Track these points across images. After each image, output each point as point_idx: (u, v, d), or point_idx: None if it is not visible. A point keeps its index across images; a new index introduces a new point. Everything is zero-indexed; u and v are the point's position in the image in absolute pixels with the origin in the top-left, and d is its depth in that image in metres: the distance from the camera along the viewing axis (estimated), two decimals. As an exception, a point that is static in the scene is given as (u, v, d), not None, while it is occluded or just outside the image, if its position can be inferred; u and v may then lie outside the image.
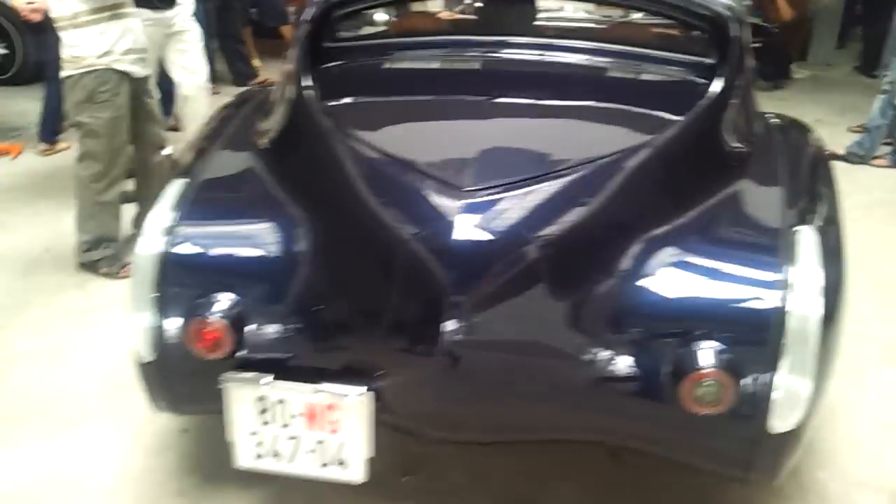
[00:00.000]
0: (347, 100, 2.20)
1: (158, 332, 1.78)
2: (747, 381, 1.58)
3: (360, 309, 1.73)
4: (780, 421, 1.58)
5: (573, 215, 1.70)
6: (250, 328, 1.75)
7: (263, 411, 1.75)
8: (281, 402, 1.74)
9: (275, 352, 1.76)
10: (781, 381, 1.57)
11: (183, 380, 1.83)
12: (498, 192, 1.68)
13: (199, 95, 4.07)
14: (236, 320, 1.74)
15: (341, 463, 1.77)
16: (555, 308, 1.66)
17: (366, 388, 1.69)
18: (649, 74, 2.32)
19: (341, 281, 1.77)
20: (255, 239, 1.86)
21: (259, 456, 1.79)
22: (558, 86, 2.26)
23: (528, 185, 1.70)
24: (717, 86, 2.03)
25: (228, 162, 2.13)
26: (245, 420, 1.76)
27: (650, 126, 1.96)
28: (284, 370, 1.74)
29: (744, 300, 1.64)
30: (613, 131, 2.01)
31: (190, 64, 3.99)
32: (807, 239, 1.72)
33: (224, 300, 1.75)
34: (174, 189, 1.93)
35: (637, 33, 2.68)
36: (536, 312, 1.65)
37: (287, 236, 1.83)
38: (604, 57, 2.36)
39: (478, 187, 1.68)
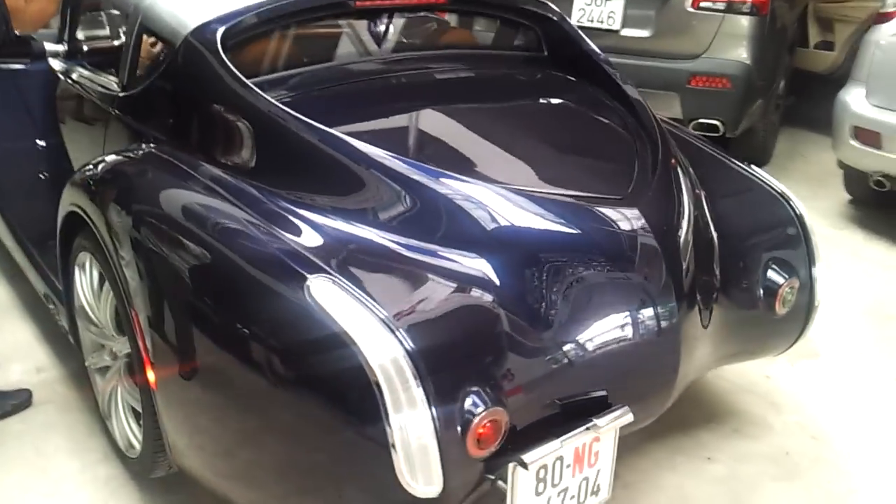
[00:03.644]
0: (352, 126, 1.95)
1: (439, 450, 1.45)
2: (801, 279, 2.14)
3: (595, 331, 1.72)
4: (817, 298, 2.20)
5: (676, 208, 1.97)
6: (513, 402, 1.58)
7: (541, 480, 1.62)
8: (558, 459, 1.64)
9: (537, 413, 1.63)
10: (813, 271, 2.19)
11: (464, 493, 1.53)
12: (641, 195, 1.87)
13: None
14: (505, 401, 1.55)
15: (596, 492, 1.76)
16: (704, 275, 1.96)
17: (624, 404, 1.73)
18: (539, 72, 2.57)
19: (562, 313, 1.70)
20: (461, 301, 1.65)
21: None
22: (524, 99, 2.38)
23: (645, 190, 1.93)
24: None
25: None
26: (524, 496, 1.61)
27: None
28: (547, 428, 1.64)
29: (785, 234, 2.20)
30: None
31: None
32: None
33: (484, 383, 1.54)
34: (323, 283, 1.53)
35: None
36: (701, 285, 1.93)
37: (483, 281, 1.66)
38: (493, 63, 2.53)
39: (629, 192, 1.83)
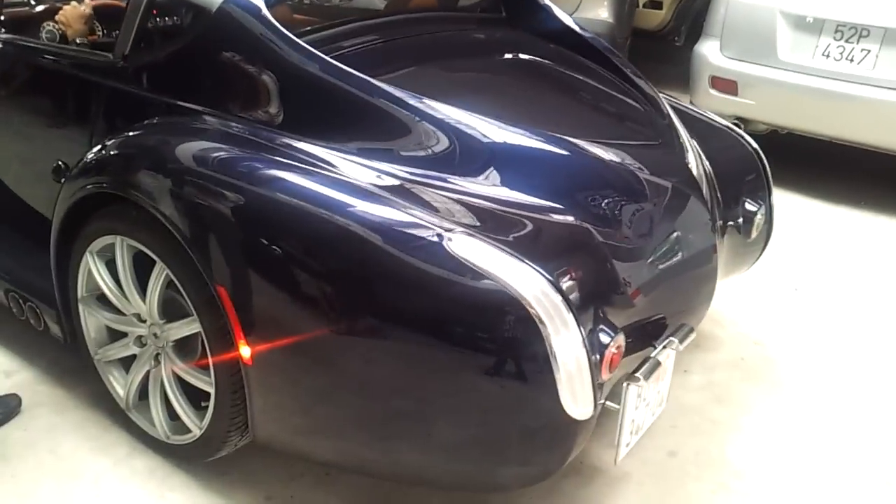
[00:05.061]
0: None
1: (592, 379, 1.60)
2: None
3: (667, 257, 1.97)
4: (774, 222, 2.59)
5: (692, 149, 2.26)
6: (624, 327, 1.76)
7: (639, 395, 1.82)
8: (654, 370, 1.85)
9: (629, 336, 1.82)
10: (770, 199, 2.56)
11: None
12: (669, 140, 2.16)
13: None
14: (621, 326, 1.73)
15: (661, 403, 2.00)
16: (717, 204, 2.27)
17: (685, 321, 1.98)
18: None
19: (642, 243, 1.92)
20: (571, 237, 1.81)
21: (629, 444, 1.86)
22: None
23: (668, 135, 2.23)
24: None
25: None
26: (630, 412, 1.80)
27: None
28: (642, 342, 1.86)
29: (748, 168, 2.56)
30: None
31: None
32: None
33: (606, 310, 1.72)
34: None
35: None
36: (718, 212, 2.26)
37: (578, 218, 1.83)
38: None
39: (662, 138, 2.12)
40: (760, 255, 2.62)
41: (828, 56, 4.01)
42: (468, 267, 1.58)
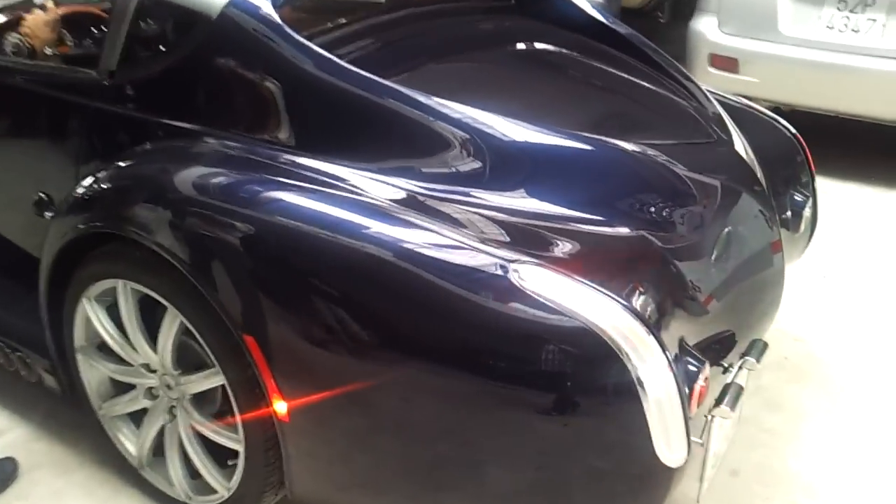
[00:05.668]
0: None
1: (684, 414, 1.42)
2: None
3: (741, 266, 1.82)
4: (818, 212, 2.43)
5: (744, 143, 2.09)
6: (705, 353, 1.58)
7: (721, 425, 1.65)
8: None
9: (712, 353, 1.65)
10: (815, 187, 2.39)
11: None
12: (722, 136, 2.01)
13: None
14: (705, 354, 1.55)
15: (737, 423, 1.82)
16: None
17: (757, 336, 1.81)
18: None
19: (713, 253, 1.75)
20: (639, 257, 1.61)
21: (710, 477, 1.69)
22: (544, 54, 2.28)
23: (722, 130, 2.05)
24: None
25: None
26: (715, 446, 1.63)
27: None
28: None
29: (789, 156, 2.37)
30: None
31: None
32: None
33: (688, 338, 1.53)
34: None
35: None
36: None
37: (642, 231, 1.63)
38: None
39: (716, 135, 1.94)
40: (806, 247, 2.45)
41: (832, 28, 3.86)
42: (539, 301, 1.38)
